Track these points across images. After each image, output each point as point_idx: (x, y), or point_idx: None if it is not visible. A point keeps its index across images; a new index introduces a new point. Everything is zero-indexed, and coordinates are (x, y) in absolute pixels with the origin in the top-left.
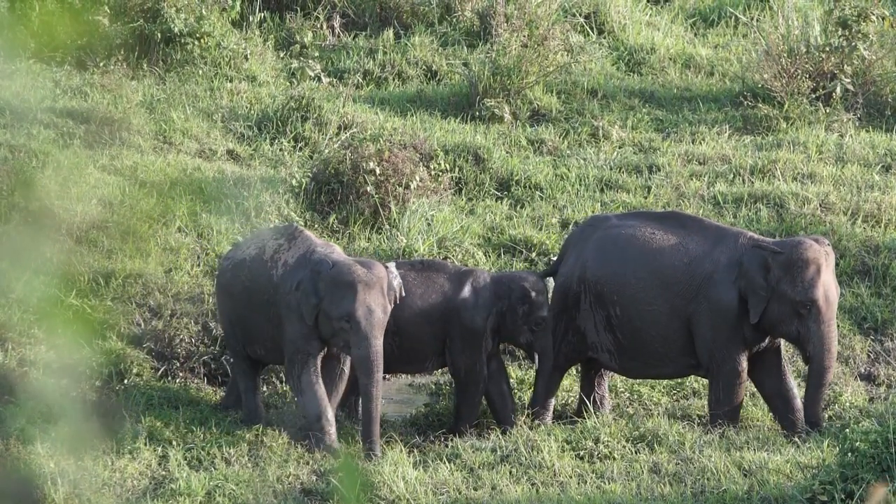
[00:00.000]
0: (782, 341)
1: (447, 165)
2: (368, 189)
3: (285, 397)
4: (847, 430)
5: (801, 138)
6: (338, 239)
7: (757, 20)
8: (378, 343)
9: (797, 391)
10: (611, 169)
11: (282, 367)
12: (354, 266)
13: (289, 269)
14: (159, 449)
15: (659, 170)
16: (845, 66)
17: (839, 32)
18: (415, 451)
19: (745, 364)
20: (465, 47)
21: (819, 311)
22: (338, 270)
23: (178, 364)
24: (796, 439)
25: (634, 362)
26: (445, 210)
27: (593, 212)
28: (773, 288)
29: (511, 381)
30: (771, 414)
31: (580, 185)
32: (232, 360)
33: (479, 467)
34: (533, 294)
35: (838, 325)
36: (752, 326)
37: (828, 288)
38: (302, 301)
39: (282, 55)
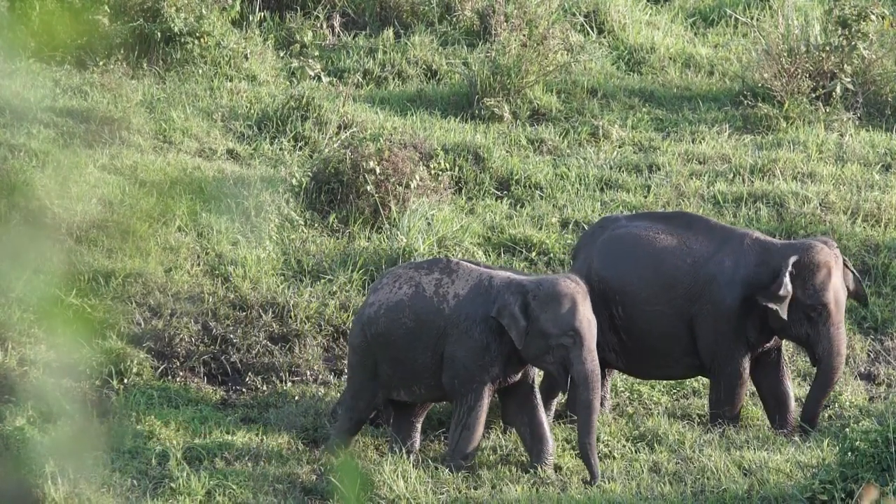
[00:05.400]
0: (784, 341)
1: (447, 165)
2: (368, 188)
3: (286, 397)
4: (847, 429)
5: (801, 138)
6: (338, 238)
7: (757, 19)
8: (597, 356)
9: (793, 394)
10: (611, 168)
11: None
12: (565, 280)
13: (462, 300)
14: (159, 448)
15: (659, 169)
16: (845, 66)
17: (839, 32)
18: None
19: (747, 365)
20: (464, 47)
21: (829, 314)
22: (551, 286)
23: (177, 363)
24: (796, 438)
25: (639, 363)
26: (445, 209)
27: (593, 211)
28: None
29: None
30: (764, 412)
31: (580, 184)
32: (361, 400)
33: (479, 466)
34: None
35: None
36: (757, 328)
37: (837, 291)
38: (510, 326)
39: (282, 54)
